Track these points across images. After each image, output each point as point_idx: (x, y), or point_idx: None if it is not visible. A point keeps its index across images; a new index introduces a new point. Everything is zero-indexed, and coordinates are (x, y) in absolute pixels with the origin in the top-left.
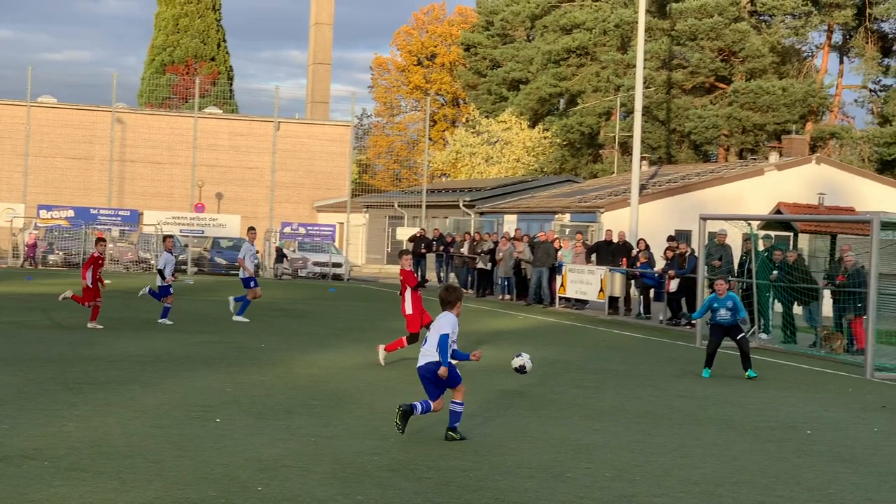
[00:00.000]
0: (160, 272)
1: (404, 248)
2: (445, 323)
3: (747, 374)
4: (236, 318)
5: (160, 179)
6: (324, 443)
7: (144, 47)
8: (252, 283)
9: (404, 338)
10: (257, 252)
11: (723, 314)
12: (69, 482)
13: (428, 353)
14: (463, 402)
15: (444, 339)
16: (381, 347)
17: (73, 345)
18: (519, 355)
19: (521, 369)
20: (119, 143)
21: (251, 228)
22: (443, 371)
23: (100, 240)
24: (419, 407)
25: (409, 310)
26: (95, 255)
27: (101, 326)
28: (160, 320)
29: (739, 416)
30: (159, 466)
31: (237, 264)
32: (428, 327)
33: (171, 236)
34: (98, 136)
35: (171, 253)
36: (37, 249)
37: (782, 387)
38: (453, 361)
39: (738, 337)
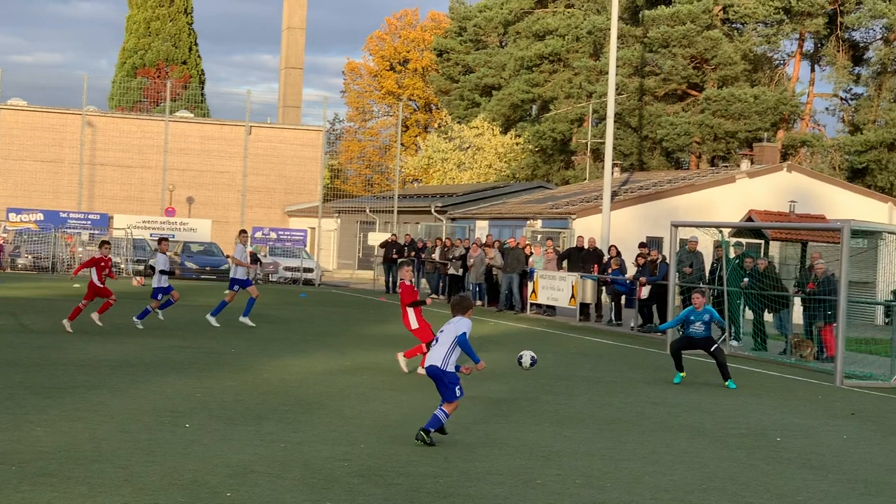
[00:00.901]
0: (162, 272)
1: (404, 258)
2: (462, 325)
3: (727, 384)
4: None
5: (130, 183)
6: (293, 448)
7: (116, 50)
8: (237, 286)
9: (423, 345)
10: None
11: (697, 327)
12: (37, 487)
13: (436, 354)
14: (449, 416)
15: (463, 337)
16: (400, 355)
17: (42, 349)
18: (534, 363)
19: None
20: (89, 146)
21: (242, 231)
22: (481, 365)
23: (104, 242)
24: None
25: (414, 324)
26: (97, 256)
27: (71, 331)
28: (134, 318)
29: (710, 422)
30: (128, 472)
31: (230, 265)
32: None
33: (166, 238)
34: (68, 139)
35: (165, 255)
36: (3, 252)
37: (752, 394)
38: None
39: (713, 349)
